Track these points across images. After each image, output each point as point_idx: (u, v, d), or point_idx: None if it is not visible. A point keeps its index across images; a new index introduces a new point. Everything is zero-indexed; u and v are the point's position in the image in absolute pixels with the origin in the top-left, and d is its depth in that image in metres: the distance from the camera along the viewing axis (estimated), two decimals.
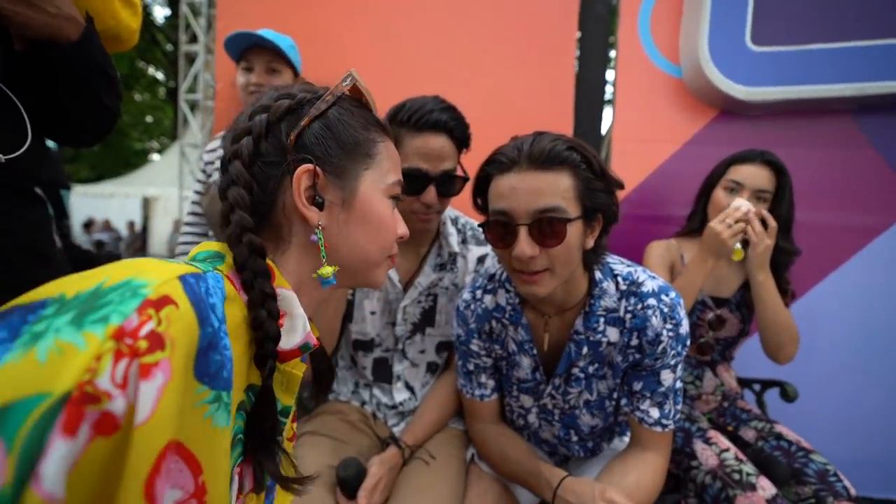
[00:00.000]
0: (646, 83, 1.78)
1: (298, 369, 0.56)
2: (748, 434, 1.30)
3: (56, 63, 0.74)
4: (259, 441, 0.49)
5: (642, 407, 0.90)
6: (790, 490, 1.11)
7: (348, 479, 0.94)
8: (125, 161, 14.33)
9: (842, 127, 1.69)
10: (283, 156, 0.51)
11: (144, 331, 0.34)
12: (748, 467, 1.06)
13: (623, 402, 0.95)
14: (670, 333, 0.86)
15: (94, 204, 10.21)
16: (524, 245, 0.77)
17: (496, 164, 0.82)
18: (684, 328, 0.87)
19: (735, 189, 1.31)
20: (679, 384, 0.91)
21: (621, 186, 0.84)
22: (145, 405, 0.34)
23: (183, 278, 0.40)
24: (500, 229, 0.82)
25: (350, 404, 1.22)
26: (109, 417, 0.33)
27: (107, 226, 10.32)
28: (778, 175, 1.30)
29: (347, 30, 1.82)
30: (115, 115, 0.87)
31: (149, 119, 15.74)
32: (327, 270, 0.52)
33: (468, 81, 1.78)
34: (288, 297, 0.51)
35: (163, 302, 0.37)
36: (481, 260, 1.19)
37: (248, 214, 0.48)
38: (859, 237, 1.72)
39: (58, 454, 0.31)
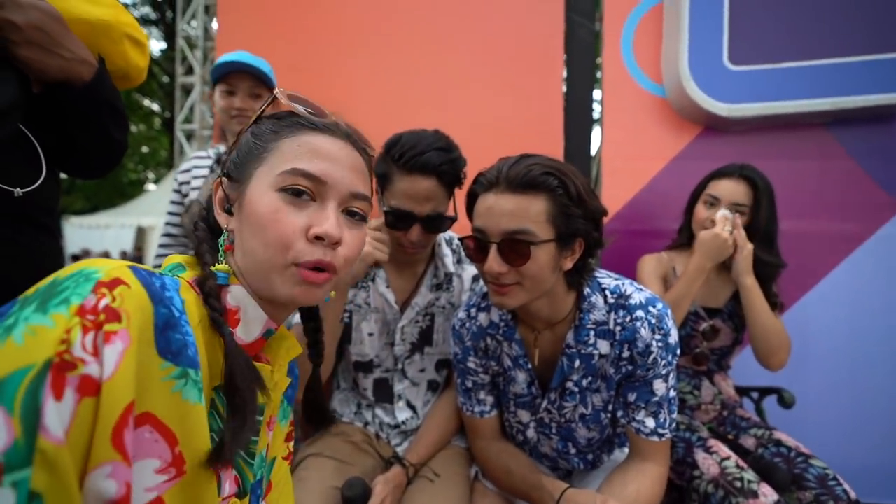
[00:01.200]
0: (632, 103, 1.85)
1: (274, 375, 0.59)
2: (748, 441, 1.32)
3: (71, 102, 0.78)
4: (230, 394, 0.49)
5: (638, 417, 0.92)
6: (791, 496, 1.12)
7: (354, 499, 0.95)
8: (120, 191, 14.39)
9: (821, 140, 1.75)
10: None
11: (101, 305, 0.39)
12: (749, 475, 1.07)
13: (619, 413, 0.96)
14: (660, 344, 0.88)
15: (89, 235, 10.19)
16: (492, 262, 0.83)
17: (479, 184, 0.88)
18: (673, 338, 0.90)
19: (713, 203, 1.37)
20: (673, 393, 0.93)
21: (604, 213, 0.88)
22: (109, 364, 0.38)
23: (132, 267, 0.44)
24: (475, 245, 0.87)
25: (353, 425, 1.22)
26: (89, 380, 0.37)
27: (105, 257, 10.26)
28: (754, 189, 1.34)
29: (341, 60, 1.89)
30: (123, 148, 0.92)
31: (144, 149, 15.89)
32: (221, 266, 0.55)
33: (460, 108, 1.84)
34: (236, 291, 0.55)
35: (115, 283, 0.41)
36: (476, 278, 1.21)
37: (202, 222, 0.60)
38: (845, 245, 1.76)
39: (52, 411, 0.36)
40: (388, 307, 1.17)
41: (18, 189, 0.74)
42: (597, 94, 1.99)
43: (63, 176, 0.94)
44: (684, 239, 1.49)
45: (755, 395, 1.53)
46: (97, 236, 10.26)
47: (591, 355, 0.93)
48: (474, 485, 1.09)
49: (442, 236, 1.22)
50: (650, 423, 0.91)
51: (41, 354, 0.36)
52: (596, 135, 2.01)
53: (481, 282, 1.19)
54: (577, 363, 0.94)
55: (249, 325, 0.54)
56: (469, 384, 1.05)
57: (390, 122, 1.13)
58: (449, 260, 1.20)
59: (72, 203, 14.17)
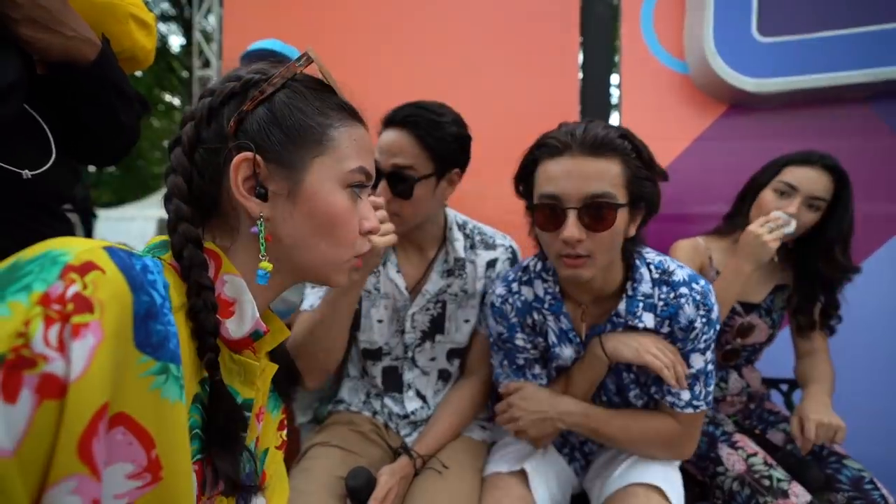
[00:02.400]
0: (652, 81, 1.76)
1: (260, 360, 0.54)
2: (776, 437, 1.24)
3: (75, 83, 0.76)
4: (214, 437, 0.47)
5: (673, 390, 0.91)
6: (822, 497, 1.05)
7: (357, 489, 0.93)
8: (145, 185, 14.76)
9: (861, 115, 1.63)
10: (224, 142, 0.48)
11: (70, 293, 0.34)
12: (779, 473, 1.01)
13: (653, 389, 0.95)
14: (703, 320, 0.88)
15: (116, 227, 10.50)
16: (572, 228, 0.79)
17: (547, 148, 0.84)
18: (715, 313, 0.90)
19: (787, 192, 1.18)
20: (710, 367, 0.92)
21: (666, 177, 0.88)
22: (78, 362, 0.33)
23: (109, 249, 0.38)
24: (548, 212, 0.83)
25: (361, 414, 1.20)
26: (52, 379, 0.32)
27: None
28: (838, 183, 1.18)
29: (353, 41, 1.85)
30: (133, 134, 0.89)
31: (166, 143, 16.23)
32: (266, 266, 0.49)
33: (474, 90, 1.78)
34: (236, 283, 0.49)
35: (86, 267, 0.35)
36: (491, 264, 1.16)
37: (184, 203, 0.47)
38: (887, 227, 1.65)
39: (0, 417, 0.31)
40: (398, 293, 1.13)
41: (27, 171, 0.73)
42: (614, 77, 1.91)
43: (92, 170, 0.92)
44: (737, 226, 1.30)
45: (784, 387, 1.44)
46: (123, 228, 10.57)
47: (635, 328, 0.92)
48: (486, 478, 1.06)
49: (455, 220, 1.17)
50: (685, 395, 0.91)
51: None
52: (614, 115, 1.93)
53: (498, 267, 1.15)
54: (620, 332, 0.93)
55: (242, 321, 0.50)
56: (521, 361, 1.02)
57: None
58: (460, 244, 1.15)
59: (99, 196, 14.58)
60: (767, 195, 1.23)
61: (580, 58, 1.82)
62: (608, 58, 1.87)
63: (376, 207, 0.90)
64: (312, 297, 1.10)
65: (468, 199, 1.61)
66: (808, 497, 0.96)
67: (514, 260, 1.18)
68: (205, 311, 0.45)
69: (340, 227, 0.52)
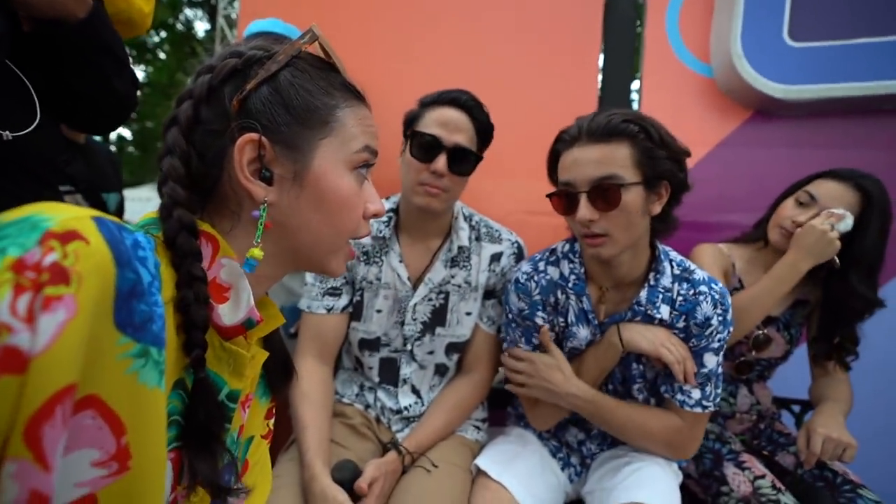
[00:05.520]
0: (674, 84, 1.69)
1: (250, 348, 0.51)
2: (786, 460, 1.18)
3: (62, 41, 0.73)
4: (193, 434, 0.44)
5: (684, 388, 0.93)
6: None
7: (343, 482, 0.90)
8: None
9: (895, 127, 1.55)
10: (226, 123, 0.46)
11: (47, 262, 0.31)
12: (787, 498, 0.96)
13: (663, 387, 0.96)
14: (720, 318, 0.91)
15: (131, 207, 10.61)
16: (584, 210, 0.86)
17: (561, 142, 0.92)
18: (731, 314, 0.93)
19: (805, 203, 1.14)
20: (720, 370, 0.95)
21: (687, 154, 0.90)
22: (44, 336, 0.30)
23: (98, 219, 0.35)
24: (563, 199, 0.91)
25: (353, 407, 1.17)
26: (15, 353, 0.29)
27: None
28: (866, 203, 1.10)
29: (370, 34, 1.81)
30: (129, 101, 0.86)
31: None
32: (256, 253, 0.46)
33: (491, 86, 1.73)
34: (234, 267, 0.46)
35: (69, 236, 0.32)
36: (496, 258, 1.13)
37: (180, 187, 0.44)
38: None
39: None
40: (400, 283, 1.10)
41: (7, 132, 0.70)
42: (635, 83, 1.84)
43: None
44: (759, 235, 1.25)
45: (797, 408, 1.37)
46: (139, 209, 10.73)
47: (652, 318, 0.94)
48: (476, 478, 1.02)
49: (462, 211, 1.15)
50: (696, 394, 0.93)
51: None
52: None
53: (502, 261, 1.13)
54: (637, 321, 0.95)
55: (237, 307, 0.47)
56: (536, 340, 1.04)
57: (414, 100, 1.09)
58: (465, 234, 1.13)
59: None
60: (787, 203, 1.18)
61: (601, 60, 1.77)
62: (629, 59, 1.81)
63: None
64: (307, 299, 1.11)
65: (482, 199, 1.57)
66: None
67: (519, 256, 1.15)
68: (195, 303, 0.42)
69: (347, 211, 0.51)
